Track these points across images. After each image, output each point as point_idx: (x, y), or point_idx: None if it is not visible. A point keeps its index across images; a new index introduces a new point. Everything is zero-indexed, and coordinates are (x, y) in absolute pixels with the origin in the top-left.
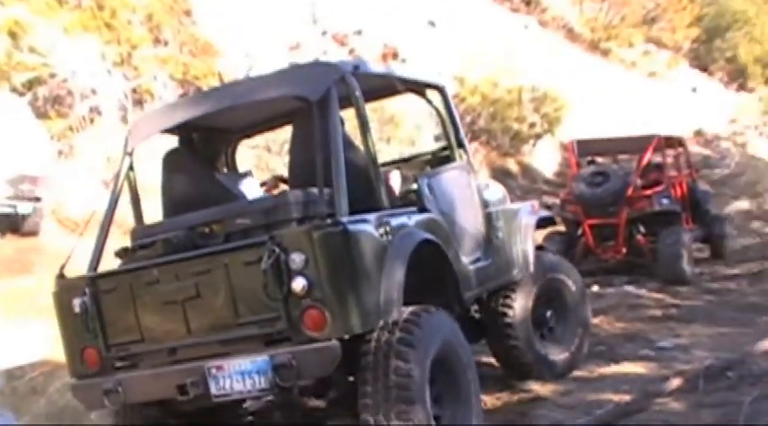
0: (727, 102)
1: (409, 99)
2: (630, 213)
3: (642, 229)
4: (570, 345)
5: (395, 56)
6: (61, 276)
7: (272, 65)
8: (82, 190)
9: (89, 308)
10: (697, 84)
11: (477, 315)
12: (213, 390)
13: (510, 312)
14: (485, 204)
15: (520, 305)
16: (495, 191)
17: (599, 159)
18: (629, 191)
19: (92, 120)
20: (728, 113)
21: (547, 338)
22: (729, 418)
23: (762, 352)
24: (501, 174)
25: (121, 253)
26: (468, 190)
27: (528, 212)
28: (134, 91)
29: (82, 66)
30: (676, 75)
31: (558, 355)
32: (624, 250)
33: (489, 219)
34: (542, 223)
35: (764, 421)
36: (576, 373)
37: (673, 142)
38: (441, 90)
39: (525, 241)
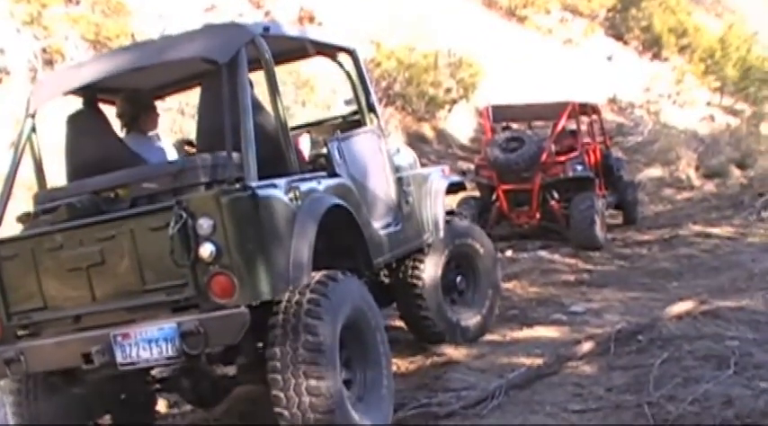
0: (642, 71)
1: (325, 62)
2: (544, 179)
3: (556, 195)
4: (481, 308)
5: (311, 19)
6: None
7: (187, 26)
8: None
9: None
10: (612, 53)
11: (386, 280)
12: (119, 358)
13: (420, 277)
14: (395, 169)
15: (430, 270)
16: (406, 156)
17: (514, 125)
18: (544, 157)
19: (0, 80)
20: (643, 82)
21: (457, 302)
22: (639, 380)
23: (671, 316)
24: (416, 139)
25: (24, 218)
26: (378, 154)
27: (439, 177)
28: (44, 51)
29: None
30: (592, 43)
31: (469, 319)
32: (538, 215)
33: (400, 184)
34: (453, 187)
35: (673, 382)
36: (490, 337)
37: (587, 109)
38: (352, 53)
39: (435, 206)
